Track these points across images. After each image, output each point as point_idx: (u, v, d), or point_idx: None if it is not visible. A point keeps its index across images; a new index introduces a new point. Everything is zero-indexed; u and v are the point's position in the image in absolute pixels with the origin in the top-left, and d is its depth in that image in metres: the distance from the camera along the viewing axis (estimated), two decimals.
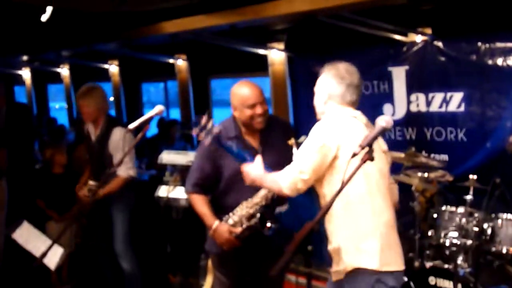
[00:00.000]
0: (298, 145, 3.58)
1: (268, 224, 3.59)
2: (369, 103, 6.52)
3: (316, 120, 7.61)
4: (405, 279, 4.65)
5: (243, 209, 3.64)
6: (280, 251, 3.56)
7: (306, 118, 7.34)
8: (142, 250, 5.35)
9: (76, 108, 11.81)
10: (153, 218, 5.94)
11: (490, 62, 5.51)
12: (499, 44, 5.45)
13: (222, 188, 3.80)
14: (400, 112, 6.27)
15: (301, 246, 2.18)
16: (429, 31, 6.03)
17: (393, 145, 5.59)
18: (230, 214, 3.68)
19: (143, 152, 7.97)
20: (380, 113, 6.34)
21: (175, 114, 10.16)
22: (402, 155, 4.86)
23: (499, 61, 5.44)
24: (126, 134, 4.54)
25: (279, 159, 3.57)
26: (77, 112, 11.94)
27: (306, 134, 6.08)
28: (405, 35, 6.15)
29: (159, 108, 4.05)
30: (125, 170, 4.92)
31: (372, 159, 2.34)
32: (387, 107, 6.39)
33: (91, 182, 4.78)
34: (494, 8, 5.35)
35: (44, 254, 3.54)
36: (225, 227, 3.64)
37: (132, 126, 4.14)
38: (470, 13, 5.57)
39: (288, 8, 5.49)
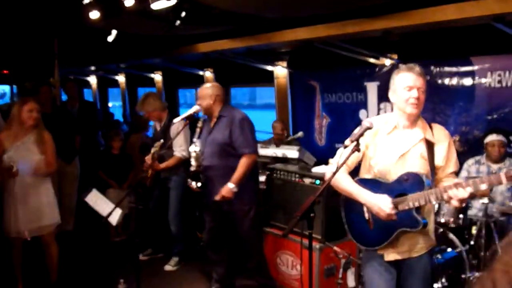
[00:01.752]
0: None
1: (198, 183, 4.12)
2: (349, 109, 6.55)
3: (307, 119, 7.54)
4: None
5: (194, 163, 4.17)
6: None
7: (301, 118, 7.39)
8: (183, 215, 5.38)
9: (130, 107, 11.85)
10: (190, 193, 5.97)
11: (439, 81, 5.52)
12: (447, 68, 5.45)
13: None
14: (372, 117, 6.25)
15: (306, 213, 2.20)
16: (395, 56, 6.03)
17: None
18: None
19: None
20: (357, 116, 6.37)
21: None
22: None
23: (446, 81, 5.45)
24: (178, 123, 4.61)
25: (217, 138, 4.07)
26: (130, 110, 11.96)
27: (301, 130, 6.10)
28: (378, 59, 6.15)
29: (196, 107, 4.09)
30: (180, 151, 4.96)
31: (358, 150, 2.38)
32: (362, 112, 6.40)
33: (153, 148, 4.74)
34: (444, 41, 5.36)
35: (109, 214, 3.58)
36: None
37: (175, 120, 4.19)
38: (426, 44, 5.58)
39: (292, 36, 5.50)
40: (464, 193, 2.30)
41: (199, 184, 4.06)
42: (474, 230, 4.31)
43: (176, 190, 5.16)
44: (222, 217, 4.23)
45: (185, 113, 4.23)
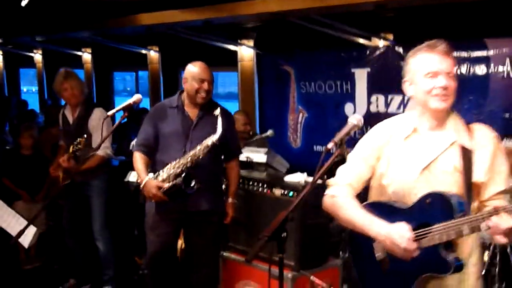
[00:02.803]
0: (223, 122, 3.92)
1: (192, 183, 3.95)
2: (332, 102, 6.63)
3: (278, 114, 7.60)
4: None
5: (172, 168, 3.97)
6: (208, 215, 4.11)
7: (271, 112, 7.42)
8: (112, 233, 5.33)
9: (49, 91, 11.63)
10: (122, 203, 5.92)
11: None
12: (455, 54, 5.52)
13: (159, 148, 4.14)
14: (360, 112, 6.36)
15: (276, 233, 2.20)
16: (391, 37, 6.13)
17: (353, 143, 5.69)
18: (161, 171, 4.02)
19: (113, 138, 7.90)
20: (342, 111, 6.45)
21: (145, 103, 10.09)
22: None
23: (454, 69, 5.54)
24: (107, 118, 4.52)
25: (206, 134, 3.98)
26: (49, 97, 11.75)
27: (270, 128, 6.16)
28: (369, 39, 6.24)
29: (137, 96, 4.06)
30: (103, 149, 4.90)
31: (344, 155, 2.37)
32: (348, 106, 6.49)
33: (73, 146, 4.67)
34: (452, 19, 5.48)
35: (21, 233, 3.49)
36: (154, 182, 3.96)
37: (110, 112, 4.15)
38: (430, 22, 5.69)
39: (261, 8, 5.52)
40: (509, 221, 2.07)
41: (193, 184, 4.03)
42: (485, 257, 4.37)
43: (99, 197, 5.11)
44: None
45: (123, 103, 4.18)
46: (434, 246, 2.25)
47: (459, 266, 2.26)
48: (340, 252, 4.98)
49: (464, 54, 5.49)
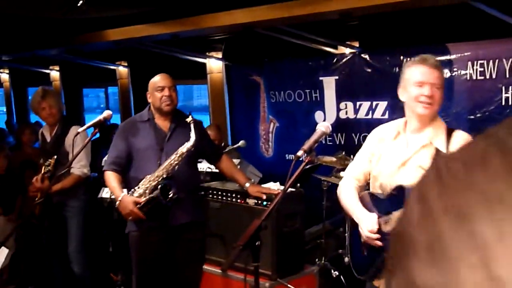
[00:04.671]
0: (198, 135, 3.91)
1: (171, 195, 3.88)
2: (302, 110, 6.68)
3: (249, 124, 7.64)
4: (336, 273, 4.78)
5: (147, 182, 3.89)
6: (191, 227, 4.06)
7: (242, 123, 7.45)
8: (88, 251, 5.28)
9: (17, 111, 11.49)
10: (96, 220, 5.87)
11: None
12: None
13: (133, 164, 4.06)
14: (330, 119, 6.42)
15: (250, 241, 2.22)
16: (356, 44, 6.22)
17: (323, 150, 5.77)
18: (136, 187, 3.94)
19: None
20: (312, 119, 6.49)
21: (116, 119, 10.03)
22: (333, 159, 4.99)
23: None
24: (79, 135, 4.49)
25: (180, 144, 3.93)
26: (17, 116, 11.61)
27: (242, 138, 6.18)
28: (335, 47, 6.31)
29: (107, 112, 4.08)
30: (79, 168, 4.86)
31: (313, 161, 2.44)
32: (318, 114, 6.53)
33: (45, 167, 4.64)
34: (415, 25, 5.58)
35: None
36: (130, 198, 3.87)
37: (80, 130, 4.14)
38: (394, 29, 5.79)
39: (228, 20, 5.55)
40: None
41: (171, 195, 3.95)
42: None
43: (76, 217, 5.06)
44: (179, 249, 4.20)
45: (93, 120, 4.17)
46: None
47: None
48: (316, 259, 5.02)
49: None
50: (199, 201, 4.36)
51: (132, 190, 3.95)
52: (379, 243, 2.62)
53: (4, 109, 12.70)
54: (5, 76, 11.92)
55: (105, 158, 5.73)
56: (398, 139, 2.83)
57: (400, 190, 2.64)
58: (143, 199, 3.85)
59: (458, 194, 0.32)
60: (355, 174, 2.95)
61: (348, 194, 2.89)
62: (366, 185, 2.99)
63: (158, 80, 4.06)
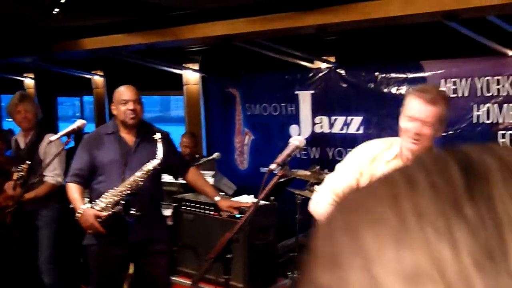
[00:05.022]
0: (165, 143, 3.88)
1: (132, 212, 3.78)
2: (277, 124, 6.71)
3: (225, 136, 7.65)
4: None
5: (110, 196, 3.81)
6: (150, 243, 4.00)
7: (217, 135, 7.45)
8: (60, 263, 5.22)
9: None
10: (67, 230, 5.81)
11: (385, 90, 5.80)
12: (394, 75, 5.75)
13: (96, 177, 3.98)
14: (305, 133, 6.45)
15: (221, 254, 2.22)
16: (333, 59, 6.27)
17: (298, 164, 5.78)
18: (98, 200, 3.85)
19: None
20: (287, 133, 6.52)
21: (90, 128, 9.95)
22: (307, 172, 5.00)
23: (393, 90, 5.74)
24: (50, 144, 4.44)
25: (146, 159, 3.88)
26: None
27: (217, 150, 6.18)
28: (312, 62, 6.36)
29: (80, 122, 4.05)
30: (53, 177, 4.81)
31: (287, 175, 2.44)
32: (293, 128, 6.56)
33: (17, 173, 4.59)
34: (390, 42, 5.67)
35: None
36: (92, 211, 3.78)
37: (53, 138, 4.11)
38: (370, 45, 5.87)
39: (205, 32, 5.55)
40: None
41: (133, 212, 3.87)
42: None
43: (47, 228, 5.00)
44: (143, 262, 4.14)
45: (66, 128, 4.14)
46: None
47: None
48: (289, 273, 5.01)
49: (402, 75, 5.67)
50: (160, 217, 4.28)
51: (93, 202, 3.87)
52: None
53: None
54: None
55: None
56: (392, 163, 2.69)
57: None
58: (104, 213, 3.78)
59: (352, 214, 0.41)
60: (336, 190, 2.78)
61: (326, 210, 2.71)
62: None
63: (122, 92, 3.98)
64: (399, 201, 0.39)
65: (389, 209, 0.39)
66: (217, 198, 4.14)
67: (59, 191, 4.91)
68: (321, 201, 2.79)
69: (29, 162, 4.53)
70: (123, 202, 3.78)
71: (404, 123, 2.61)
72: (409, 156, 2.64)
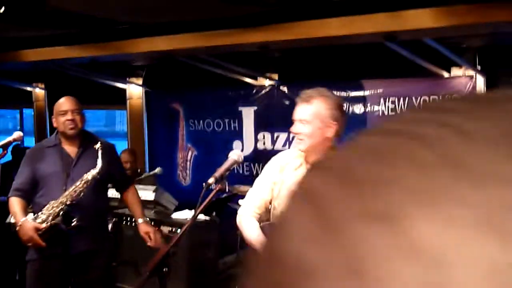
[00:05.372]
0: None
1: (73, 223, 3.74)
2: (220, 140, 6.72)
3: (168, 151, 7.59)
4: None
5: (50, 208, 3.75)
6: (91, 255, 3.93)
7: (160, 150, 7.41)
8: None
9: None
10: (3, 245, 5.65)
11: None
12: (335, 93, 5.84)
13: (39, 190, 3.92)
14: (248, 149, 6.49)
15: (157, 268, 2.22)
16: (276, 76, 6.35)
17: (241, 180, 5.81)
18: (40, 213, 3.79)
19: None
20: (230, 149, 6.52)
21: (30, 142, 9.73)
22: (249, 188, 5.01)
23: None
24: None
25: (88, 170, 3.83)
26: None
27: (160, 165, 6.15)
28: (255, 78, 6.43)
29: (17, 134, 3.97)
30: None
31: (224, 190, 2.47)
32: (236, 144, 6.59)
33: None
34: (332, 61, 5.78)
35: None
36: (31, 224, 3.70)
37: None
38: (312, 63, 5.97)
39: (148, 47, 5.54)
40: None
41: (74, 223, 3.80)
42: None
43: None
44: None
45: (3, 140, 4.05)
46: None
47: None
48: None
49: (343, 93, 5.78)
50: (103, 228, 4.26)
51: (35, 215, 3.81)
52: None
53: None
54: None
55: None
56: (299, 169, 2.83)
57: None
58: (44, 225, 3.70)
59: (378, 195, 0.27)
60: (256, 203, 2.89)
61: (248, 224, 2.83)
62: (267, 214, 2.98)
63: (61, 103, 3.96)
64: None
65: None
66: (140, 220, 4.10)
67: None
68: (243, 215, 2.87)
69: None
70: (63, 213, 3.73)
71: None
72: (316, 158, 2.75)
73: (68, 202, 3.75)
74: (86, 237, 3.91)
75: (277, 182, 2.86)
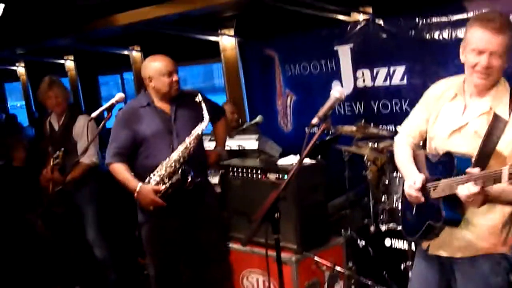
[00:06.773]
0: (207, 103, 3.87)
1: (190, 179, 3.74)
2: (318, 82, 6.61)
3: (267, 99, 7.56)
4: (363, 243, 4.73)
5: (163, 168, 3.75)
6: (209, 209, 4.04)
7: (259, 99, 7.40)
8: (112, 236, 5.31)
9: (36, 104, 11.56)
10: (120, 206, 5.89)
11: (427, 36, 5.61)
12: (435, 19, 5.55)
13: (142, 152, 3.89)
14: (348, 88, 6.33)
15: (268, 214, 2.18)
16: (370, 10, 6.09)
17: (343, 120, 5.69)
18: (151, 175, 3.78)
19: (104, 141, 7.85)
20: (329, 90, 6.36)
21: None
22: (353, 128, 4.90)
23: (436, 35, 5.55)
24: (90, 122, 4.43)
25: (188, 123, 3.86)
26: (37, 108, 11.69)
27: (260, 114, 6.13)
28: (348, 15, 6.20)
29: (119, 95, 4.03)
30: (88, 157, 4.87)
31: (329, 128, 2.38)
32: (335, 84, 6.44)
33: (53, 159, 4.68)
34: None
35: None
36: (148, 187, 3.72)
37: (94, 114, 4.10)
38: None
39: None
40: (470, 188, 2.22)
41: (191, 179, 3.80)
42: None
43: (90, 204, 5.09)
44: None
45: (105, 104, 4.11)
46: (438, 198, 2.45)
47: (449, 220, 2.44)
48: (342, 231, 4.96)
49: (444, 19, 5.45)
50: (209, 183, 4.35)
51: (148, 178, 3.79)
52: (418, 199, 2.54)
53: (24, 103, 12.76)
54: (21, 70, 11.96)
55: None
56: (455, 101, 2.63)
57: (449, 157, 2.45)
58: (162, 187, 3.73)
59: None
60: (411, 132, 2.84)
61: (401, 151, 2.82)
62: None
63: (164, 64, 3.87)
64: None
65: None
66: (218, 148, 4.48)
67: (95, 170, 5.00)
68: (399, 143, 2.86)
69: (63, 148, 4.60)
70: (181, 171, 3.74)
71: (470, 57, 2.45)
72: (474, 92, 2.56)
73: (181, 160, 3.75)
74: (199, 192, 3.95)
75: (432, 112, 2.73)
